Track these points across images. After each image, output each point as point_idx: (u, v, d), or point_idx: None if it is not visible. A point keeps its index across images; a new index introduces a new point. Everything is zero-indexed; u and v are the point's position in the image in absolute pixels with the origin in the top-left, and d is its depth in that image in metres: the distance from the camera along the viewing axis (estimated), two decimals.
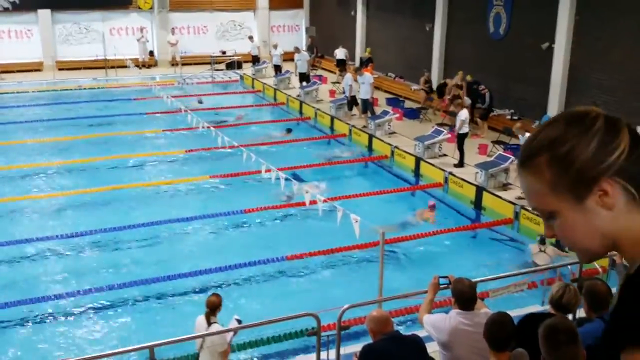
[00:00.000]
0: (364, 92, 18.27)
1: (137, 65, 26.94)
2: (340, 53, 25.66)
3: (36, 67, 26.31)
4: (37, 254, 11.03)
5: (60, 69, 26.95)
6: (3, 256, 10.89)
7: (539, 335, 3.51)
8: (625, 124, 1.35)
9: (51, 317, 9.17)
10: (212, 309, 6.56)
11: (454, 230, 12.03)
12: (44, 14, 27.45)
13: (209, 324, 6.48)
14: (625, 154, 1.30)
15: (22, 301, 9.29)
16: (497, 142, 16.45)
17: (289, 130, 18.80)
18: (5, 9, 26.81)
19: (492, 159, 14.45)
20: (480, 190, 13.59)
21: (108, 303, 9.50)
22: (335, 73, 26.15)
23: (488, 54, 19.09)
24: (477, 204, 13.60)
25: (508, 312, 4.58)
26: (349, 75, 19.01)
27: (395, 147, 16.60)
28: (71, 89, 24.24)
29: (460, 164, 14.83)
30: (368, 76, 18.41)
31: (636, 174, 1.31)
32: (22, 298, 9.39)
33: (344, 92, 19.75)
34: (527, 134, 12.57)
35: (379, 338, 5.01)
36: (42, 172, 15.27)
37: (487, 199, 13.41)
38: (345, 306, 6.14)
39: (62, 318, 9.17)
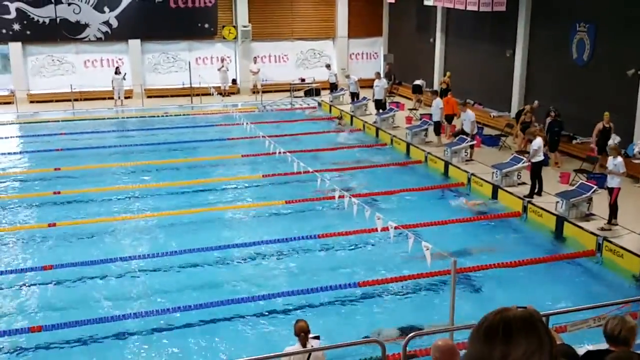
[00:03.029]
0: (466, 127, 18.35)
1: (219, 93, 27.87)
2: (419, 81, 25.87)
3: (126, 95, 27.68)
4: (122, 273, 11.50)
5: (148, 97, 28.26)
6: (89, 274, 11.40)
7: None
8: None
9: (134, 334, 9.52)
10: (306, 332, 6.58)
11: (533, 262, 11.67)
12: (134, 43, 28.95)
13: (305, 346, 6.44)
14: None
15: (111, 317, 9.72)
16: (579, 170, 15.91)
17: None
18: (99, 39, 28.47)
19: (574, 188, 13.99)
20: (561, 220, 13.17)
21: (189, 322, 9.76)
22: (412, 100, 26.14)
23: (571, 80, 18.57)
24: (558, 234, 13.17)
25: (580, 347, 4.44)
26: (438, 100, 18.84)
27: (472, 174, 16.35)
28: (158, 116, 25.35)
29: (532, 193, 14.41)
30: (471, 114, 18.25)
31: None
32: (110, 314, 9.84)
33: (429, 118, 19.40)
34: (619, 159, 12.18)
35: None
36: (128, 194, 15.99)
37: (568, 229, 12.96)
38: (412, 334, 6.08)
39: (143, 336, 9.50)
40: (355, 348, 7.20)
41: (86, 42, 28.44)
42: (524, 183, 15.30)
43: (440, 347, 4.90)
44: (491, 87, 22.43)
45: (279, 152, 15.93)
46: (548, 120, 17.22)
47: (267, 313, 10.04)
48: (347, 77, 26.01)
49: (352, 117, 24.20)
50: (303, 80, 30.19)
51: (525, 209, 14.17)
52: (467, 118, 18.21)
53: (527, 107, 18.84)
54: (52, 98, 27.46)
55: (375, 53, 32.47)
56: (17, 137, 23.23)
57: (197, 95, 27.68)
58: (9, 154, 20.40)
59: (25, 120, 24.93)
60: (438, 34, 26.12)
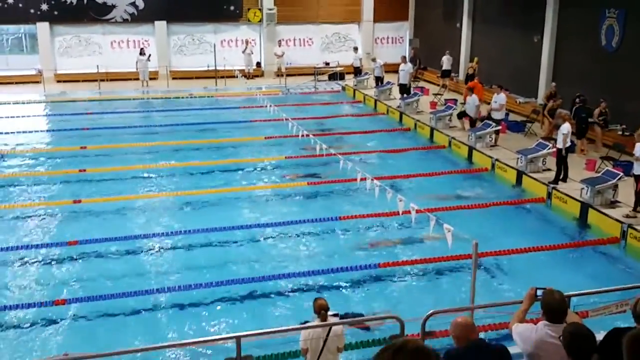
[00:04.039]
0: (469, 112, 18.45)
1: (244, 76, 27.93)
2: (447, 62, 25.51)
3: (152, 76, 27.87)
4: (145, 250, 11.66)
5: (173, 78, 28.42)
6: (117, 250, 11.59)
7: (622, 346, 3.36)
8: None
9: (157, 310, 9.65)
10: (326, 310, 6.57)
11: (556, 248, 11.57)
12: (161, 25, 29.09)
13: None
14: None
15: (134, 292, 9.85)
16: (606, 157, 15.69)
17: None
18: (125, 20, 28.66)
19: (599, 175, 13.81)
20: (585, 206, 13.02)
21: (212, 299, 9.87)
22: (437, 85, 25.95)
23: (599, 67, 18.26)
24: (582, 221, 13.03)
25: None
26: (475, 97, 18.62)
27: (497, 159, 16.21)
28: (183, 97, 25.50)
29: (557, 179, 14.26)
30: (502, 97, 18.10)
31: None
32: (133, 290, 9.95)
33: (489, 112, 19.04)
34: None
35: (463, 345, 4.93)
36: (153, 173, 16.16)
37: (592, 216, 12.82)
38: (430, 311, 6.08)
39: (166, 311, 9.64)
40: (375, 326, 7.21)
41: (113, 23, 28.68)
42: (549, 169, 15.14)
43: (460, 323, 4.92)
44: (518, 73, 22.15)
45: (302, 135, 15.96)
46: (575, 106, 17.01)
47: (287, 292, 10.10)
48: (374, 60, 25.89)
49: (375, 101, 24.11)
50: (327, 64, 30.13)
51: (549, 195, 14.04)
52: (472, 102, 18.34)
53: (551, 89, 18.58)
54: (78, 78, 27.79)
55: (401, 37, 32.26)
56: (44, 115, 23.60)
57: (222, 77, 27.78)
58: (37, 132, 20.75)
59: (52, 100, 25.25)
60: (465, 19, 25.84)
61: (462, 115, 19.31)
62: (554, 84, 18.43)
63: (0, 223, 13.01)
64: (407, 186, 14.92)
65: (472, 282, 8.12)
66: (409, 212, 10.34)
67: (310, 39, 31.31)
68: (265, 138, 19.29)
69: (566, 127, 14.27)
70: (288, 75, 28.63)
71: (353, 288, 10.26)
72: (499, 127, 17.77)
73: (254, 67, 29.95)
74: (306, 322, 6.90)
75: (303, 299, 9.74)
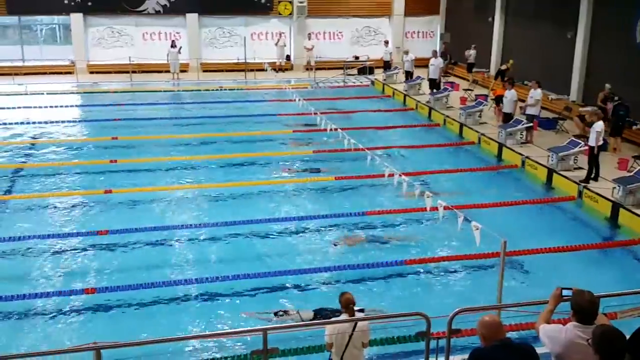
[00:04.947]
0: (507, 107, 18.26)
1: (273, 69, 28.00)
2: (472, 56, 25.36)
3: (183, 69, 28.12)
4: (174, 241, 11.80)
5: (203, 71, 28.62)
6: (146, 240, 11.73)
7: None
8: None
9: (184, 300, 9.76)
10: (353, 304, 6.49)
11: (586, 248, 11.41)
12: (192, 17, 29.30)
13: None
14: None
15: (162, 283, 9.98)
16: (638, 157, 15.40)
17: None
18: (157, 12, 28.93)
19: (632, 174, 13.57)
20: (616, 206, 12.82)
21: (238, 291, 9.95)
22: (468, 80, 25.73)
23: (633, 64, 17.89)
24: (613, 220, 12.83)
25: None
26: (513, 92, 18.36)
27: (527, 157, 16.03)
28: (213, 90, 25.68)
29: (588, 178, 14.05)
30: (539, 92, 17.92)
31: None
32: (162, 280, 10.09)
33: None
34: None
35: (490, 344, 4.90)
36: (182, 165, 16.32)
37: (623, 216, 12.61)
38: (457, 309, 6.05)
39: (193, 301, 9.75)
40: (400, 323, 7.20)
41: (145, 14, 28.96)
42: (580, 168, 14.92)
43: (488, 322, 4.88)
44: (550, 69, 21.83)
45: (331, 129, 15.96)
46: (612, 104, 16.69)
47: (312, 286, 10.13)
48: (406, 53, 25.66)
49: (404, 96, 23.99)
50: (357, 58, 30.05)
51: (580, 194, 13.85)
52: (510, 96, 18.15)
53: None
54: (110, 69, 28.14)
55: (432, 32, 32.02)
56: (77, 106, 23.96)
57: (251, 70, 27.90)
58: (69, 122, 21.09)
59: (84, 90, 25.64)
60: (497, 13, 25.53)
61: (498, 101, 19.10)
62: (608, 85, 17.84)
63: (31, 212, 13.26)
64: (435, 182, 14.82)
65: (499, 281, 8.06)
66: (437, 208, 10.29)
67: (340, 32, 31.24)
68: (293, 131, 19.34)
69: (600, 125, 14.03)
70: (317, 68, 28.63)
71: (378, 284, 10.24)
72: (531, 124, 17.54)
73: (284, 60, 30.01)
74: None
75: (328, 293, 9.77)
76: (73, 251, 11.39)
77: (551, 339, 4.88)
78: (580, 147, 15.09)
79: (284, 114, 21.35)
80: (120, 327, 8.90)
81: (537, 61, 22.71)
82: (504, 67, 23.36)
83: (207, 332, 7.49)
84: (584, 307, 4.84)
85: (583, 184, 13.93)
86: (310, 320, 8.92)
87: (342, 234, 12.19)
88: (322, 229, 12.39)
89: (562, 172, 14.84)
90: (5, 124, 20.25)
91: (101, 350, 5.80)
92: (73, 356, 7.86)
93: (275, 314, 9.13)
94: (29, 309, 9.41)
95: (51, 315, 9.30)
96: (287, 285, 10.16)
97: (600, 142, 14.11)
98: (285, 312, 9.10)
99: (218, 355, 8.12)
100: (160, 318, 9.24)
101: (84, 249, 11.46)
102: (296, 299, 9.79)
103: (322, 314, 9.00)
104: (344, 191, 14.56)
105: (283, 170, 16.03)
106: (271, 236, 12.06)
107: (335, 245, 11.63)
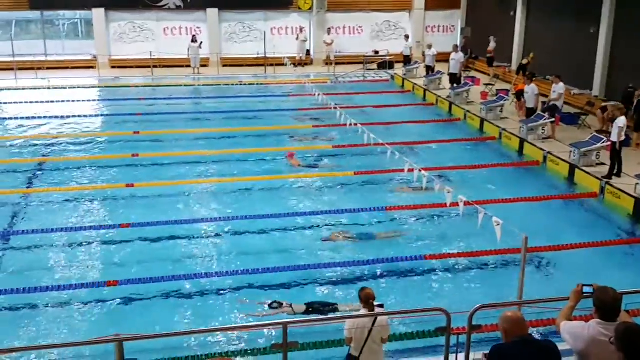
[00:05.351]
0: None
1: (293, 64, 28.04)
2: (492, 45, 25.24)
3: (203, 63, 28.25)
4: (194, 234, 11.87)
5: (223, 65, 28.74)
6: (168, 233, 11.81)
7: None
8: None
9: (205, 293, 9.81)
10: (373, 299, 6.49)
11: (608, 244, 11.29)
12: (212, 12, 29.41)
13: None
14: None
15: (183, 276, 10.08)
16: None
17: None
18: (178, 7, 29.09)
19: None
20: (639, 202, 12.66)
21: (261, 284, 10.00)
22: (489, 75, 25.53)
23: None
24: (636, 217, 12.67)
25: None
26: (534, 86, 18.19)
27: (549, 152, 15.88)
28: (233, 84, 25.77)
29: (611, 174, 13.89)
30: (561, 86, 17.76)
31: None
32: (183, 273, 10.19)
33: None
34: None
35: (511, 340, 4.87)
36: (202, 159, 16.40)
37: None
38: (477, 306, 6.03)
39: (214, 295, 9.81)
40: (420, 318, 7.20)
41: (166, 9, 29.14)
42: (602, 163, 14.76)
43: (510, 317, 4.86)
44: (572, 64, 21.57)
45: (350, 124, 15.95)
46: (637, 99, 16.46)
47: (332, 281, 10.15)
48: (429, 47, 25.42)
49: (425, 90, 23.87)
50: (377, 52, 29.95)
51: (602, 190, 13.70)
52: (531, 91, 17.96)
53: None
54: (132, 64, 28.38)
55: (452, 26, 31.82)
56: (99, 100, 24.19)
57: (271, 65, 27.94)
58: (91, 116, 21.32)
59: (106, 85, 25.87)
60: (519, 7, 25.29)
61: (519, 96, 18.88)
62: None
63: (54, 205, 13.43)
64: (455, 178, 14.75)
65: (520, 277, 8.03)
66: (457, 204, 10.25)
67: (360, 27, 31.17)
68: (313, 126, 19.35)
69: (622, 120, 13.86)
70: (337, 63, 28.61)
71: (398, 279, 10.23)
72: (553, 119, 17.37)
73: (305, 54, 30.01)
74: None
75: (348, 288, 9.79)
76: (95, 244, 11.53)
77: (573, 335, 4.85)
78: (602, 142, 14.92)
79: (303, 109, 21.38)
80: (142, 319, 8.99)
81: (559, 56, 22.45)
82: (525, 61, 23.16)
83: (228, 326, 7.50)
84: (607, 304, 4.80)
85: (605, 180, 13.78)
86: (302, 313, 9.07)
87: (363, 229, 12.18)
88: (341, 224, 12.36)
89: (584, 168, 14.69)
90: (28, 118, 20.51)
91: (123, 342, 5.87)
92: (95, 348, 7.96)
93: (270, 305, 9.25)
94: (52, 301, 9.54)
95: (73, 307, 9.42)
96: (306, 280, 10.17)
97: (623, 138, 13.94)
98: (280, 304, 9.24)
99: (238, 348, 8.18)
100: (182, 311, 9.32)
101: (106, 242, 11.59)
102: (313, 293, 9.81)
103: (314, 307, 9.16)
104: (363, 186, 14.53)
105: (302, 164, 16.04)
106: (289, 230, 12.09)
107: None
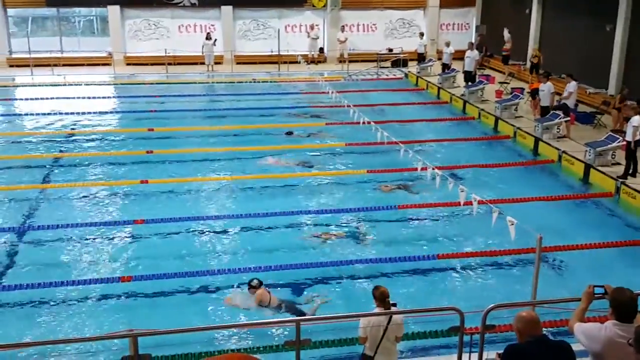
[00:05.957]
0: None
1: (306, 61, 28.02)
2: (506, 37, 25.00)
3: (217, 61, 28.32)
4: (208, 231, 11.92)
5: (237, 63, 28.79)
6: (181, 230, 11.90)
7: None
8: None
9: (217, 290, 9.86)
10: (388, 297, 6.47)
11: (623, 244, 11.20)
12: (227, 10, 29.47)
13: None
14: None
15: (196, 272, 10.13)
16: None
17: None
18: (193, 4, 29.18)
19: None
20: None
21: (270, 282, 10.02)
22: (504, 73, 25.38)
23: None
24: None
25: None
26: (550, 84, 18.08)
27: (563, 152, 15.78)
28: (246, 82, 25.82)
29: (626, 174, 13.78)
30: (573, 84, 17.70)
31: None
32: (195, 269, 10.23)
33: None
34: None
35: (525, 340, 4.86)
36: (216, 156, 16.45)
37: None
38: (492, 305, 6.01)
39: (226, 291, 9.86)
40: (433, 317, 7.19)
41: (181, 7, 29.23)
42: (618, 163, 14.64)
43: (524, 317, 4.84)
44: (588, 63, 21.40)
45: (363, 122, 15.92)
46: None
47: (344, 280, 10.15)
48: (447, 44, 25.23)
49: (439, 88, 23.79)
50: (390, 50, 29.87)
51: (618, 190, 13.59)
52: (547, 89, 17.82)
53: None
54: (147, 61, 28.52)
55: (467, 24, 31.66)
56: (114, 97, 24.34)
57: (285, 62, 27.96)
58: (106, 113, 21.47)
59: (122, 82, 26.02)
60: (535, 5, 25.13)
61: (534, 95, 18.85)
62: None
63: (69, 201, 13.53)
64: (469, 176, 14.70)
65: (534, 277, 7.97)
66: (471, 203, 10.22)
67: (374, 24, 31.10)
68: (326, 124, 19.34)
69: (637, 120, 13.74)
70: (351, 61, 28.56)
71: (411, 278, 10.21)
72: (568, 118, 17.24)
73: (318, 52, 29.99)
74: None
75: (361, 287, 9.79)
76: (110, 239, 11.60)
77: (589, 337, 4.82)
78: (618, 142, 14.80)
79: (316, 106, 21.37)
80: (155, 314, 9.05)
81: (575, 54, 22.29)
82: (534, 59, 23.01)
83: (240, 323, 7.50)
84: (624, 305, 4.77)
85: (621, 180, 13.67)
86: (275, 306, 9.16)
87: (375, 227, 12.17)
88: (354, 222, 12.36)
89: (599, 168, 14.58)
90: (44, 114, 20.68)
91: (137, 337, 5.91)
92: (109, 342, 8.02)
93: (250, 283, 9.40)
94: (66, 296, 9.62)
95: (87, 302, 9.49)
96: (319, 278, 10.18)
97: (638, 137, 13.81)
98: (260, 283, 9.42)
99: (251, 345, 8.20)
100: (194, 307, 9.37)
101: (121, 238, 11.67)
102: (327, 290, 9.82)
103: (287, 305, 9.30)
104: (375, 184, 14.49)
105: (316, 163, 16.05)
106: (301, 228, 12.11)
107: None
